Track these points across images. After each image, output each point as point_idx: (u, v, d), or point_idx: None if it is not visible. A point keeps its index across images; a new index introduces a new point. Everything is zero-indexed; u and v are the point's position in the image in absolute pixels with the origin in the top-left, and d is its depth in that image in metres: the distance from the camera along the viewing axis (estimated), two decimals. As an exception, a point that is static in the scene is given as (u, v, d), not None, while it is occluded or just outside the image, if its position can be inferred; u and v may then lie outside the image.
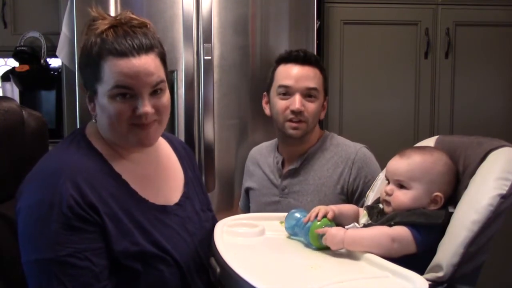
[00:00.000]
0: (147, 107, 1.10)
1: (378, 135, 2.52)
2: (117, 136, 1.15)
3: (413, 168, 1.23)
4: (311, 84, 1.65)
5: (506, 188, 1.12)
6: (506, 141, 1.24)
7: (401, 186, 1.24)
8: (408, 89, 2.61)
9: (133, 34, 1.10)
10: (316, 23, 2.33)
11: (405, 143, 1.34)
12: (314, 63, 1.68)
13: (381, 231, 1.17)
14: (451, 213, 1.18)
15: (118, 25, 1.12)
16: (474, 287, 1.17)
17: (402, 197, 1.22)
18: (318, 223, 1.20)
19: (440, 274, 1.10)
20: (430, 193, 1.22)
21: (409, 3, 2.58)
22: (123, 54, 1.08)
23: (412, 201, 1.21)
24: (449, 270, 1.09)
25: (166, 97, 1.15)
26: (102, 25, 1.11)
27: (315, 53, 2.31)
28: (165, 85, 1.15)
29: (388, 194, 1.25)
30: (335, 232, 1.16)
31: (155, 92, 1.12)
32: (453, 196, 1.25)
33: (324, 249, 1.18)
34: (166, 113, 1.17)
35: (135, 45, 1.09)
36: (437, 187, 1.22)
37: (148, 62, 1.10)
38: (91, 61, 1.11)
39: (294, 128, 1.65)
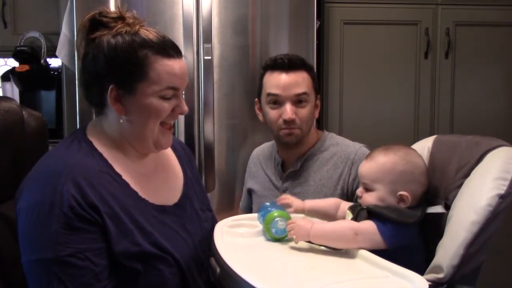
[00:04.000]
0: (186, 107, 1.18)
1: (378, 135, 2.52)
2: (145, 137, 1.16)
3: (374, 170, 1.25)
4: (300, 90, 1.63)
5: (505, 188, 1.12)
6: (506, 141, 1.24)
7: (367, 188, 1.26)
8: (408, 89, 2.61)
9: (164, 35, 1.15)
10: (316, 23, 2.33)
11: (405, 143, 1.34)
12: (300, 66, 1.65)
13: (345, 225, 1.19)
14: (443, 214, 1.19)
15: (143, 24, 1.15)
16: (474, 287, 1.17)
17: (369, 199, 1.25)
18: (276, 213, 1.22)
19: (441, 275, 1.10)
20: (395, 193, 1.23)
21: (409, 3, 2.57)
22: (170, 55, 1.13)
23: (378, 202, 1.23)
24: (449, 271, 1.10)
25: None
26: (133, 26, 1.13)
27: (315, 53, 2.31)
28: None
29: (358, 197, 1.28)
30: (302, 225, 1.17)
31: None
32: (434, 194, 1.26)
33: (277, 240, 1.21)
34: None
35: (174, 47, 1.15)
36: (401, 186, 1.23)
37: (185, 64, 1.18)
38: (132, 60, 1.10)
39: (288, 135, 1.65)
